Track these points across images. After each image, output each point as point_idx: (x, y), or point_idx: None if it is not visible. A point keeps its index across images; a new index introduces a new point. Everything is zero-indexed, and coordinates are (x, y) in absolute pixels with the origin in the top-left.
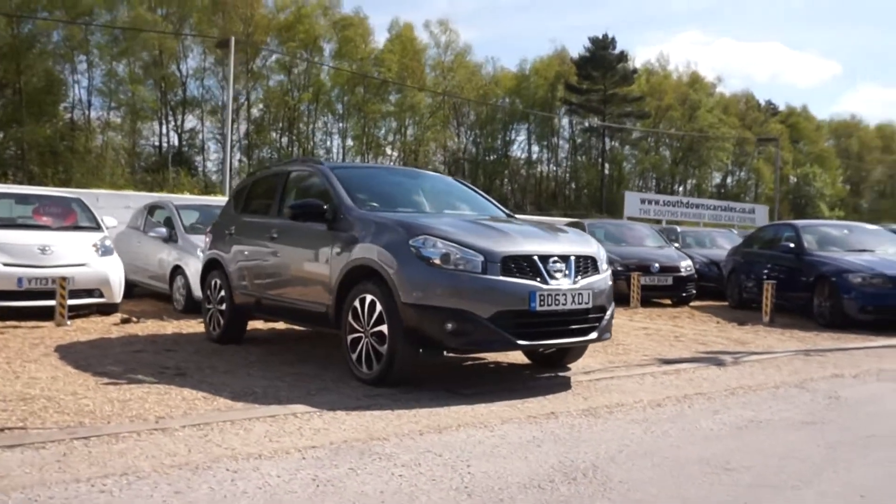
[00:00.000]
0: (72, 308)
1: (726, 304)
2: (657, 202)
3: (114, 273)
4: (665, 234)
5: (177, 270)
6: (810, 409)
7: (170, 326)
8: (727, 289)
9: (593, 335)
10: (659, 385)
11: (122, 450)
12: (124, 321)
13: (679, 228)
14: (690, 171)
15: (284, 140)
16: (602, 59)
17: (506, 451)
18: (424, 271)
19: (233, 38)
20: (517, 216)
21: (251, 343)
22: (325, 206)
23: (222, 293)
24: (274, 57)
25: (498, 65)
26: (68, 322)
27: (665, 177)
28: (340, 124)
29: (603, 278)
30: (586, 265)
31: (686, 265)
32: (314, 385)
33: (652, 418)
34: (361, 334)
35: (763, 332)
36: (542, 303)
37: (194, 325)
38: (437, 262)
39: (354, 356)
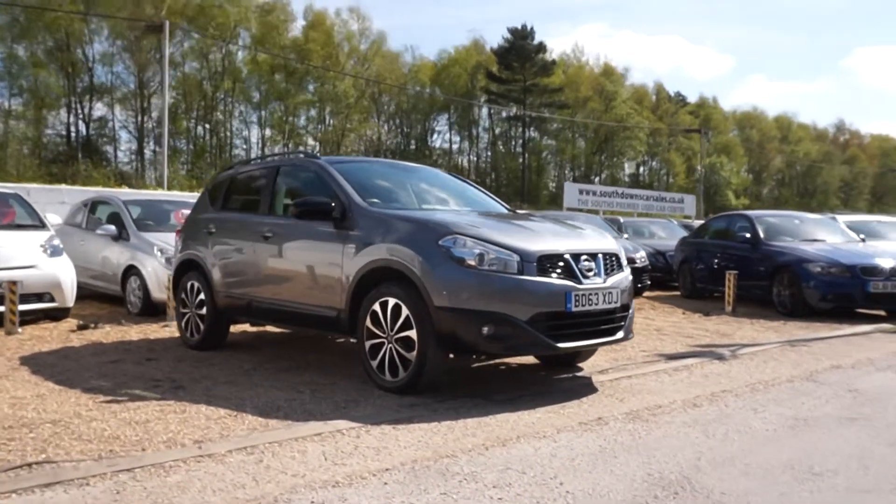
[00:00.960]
0: (21, 314)
1: (676, 293)
2: (595, 192)
3: (65, 275)
4: (611, 226)
5: (130, 271)
6: (841, 404)
7: (133, 332)
8: (679, 278)
9: (620, 335)
10: (680, 383)
11: (179, 483)
12: (81, 327)
13: (621, 219)
14: (607, 161)
15: (200, 129)
16: (521, 49)
17: (585, 464)
18: (458, 273)
19: (167, 23)
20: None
21: (231, 349)
22: (333, 204)
23: (201, 296)
24: (187, 43)
25: (417, 54)
26: (19, 329)
27: (582, 167)
28: (258, 113)
29: (626, 276)
30: (612, 263)
31: (641, 256)
32: (338, 396)
33: (700, 420)
34: (383, 340)
35: (734, 322)
36: (577, 303)
37: (159, 330)
38: (472, 262)
39: (375, 363)
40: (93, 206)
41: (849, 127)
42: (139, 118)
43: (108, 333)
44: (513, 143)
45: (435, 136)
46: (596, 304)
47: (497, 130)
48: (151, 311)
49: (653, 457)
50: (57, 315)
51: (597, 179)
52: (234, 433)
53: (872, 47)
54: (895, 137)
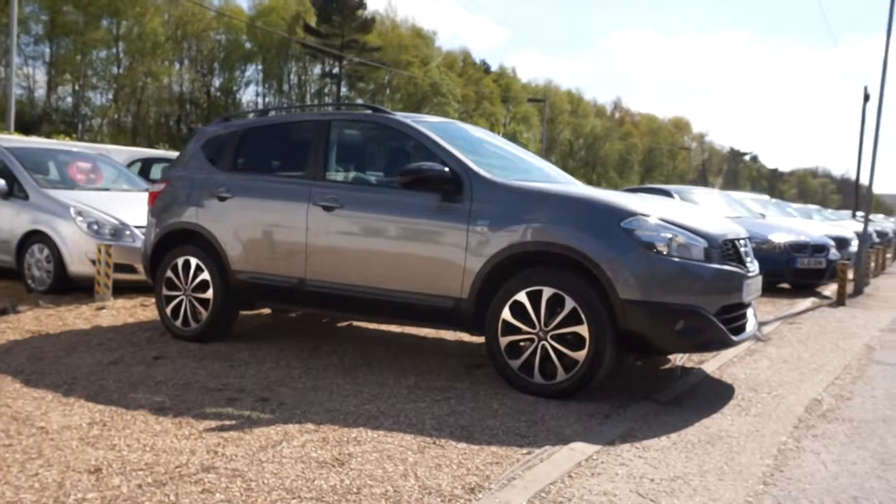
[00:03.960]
0: None
1: None
2: None
3: None
4: None
5: (32, 238)
6: None
7: (69, 317)
8: None
9: (756, 323)
10: (783, 372)
11: None
12: None
13: None
14: None
15: None
16: (342, 2)
17: None
18: (651, 260)
19: None
20: None
21: (239, 341)
22: (447, 170)
23: (203, 276)
24: None
25: None
26: None
27: None
28: (40, 48)
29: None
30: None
31: None
32: (494, 405)
33: (890, 417)
34: (530, 336)
35: None
36: (747, 292)
37: (98, 314)
38: (663, 248)
39: (517, 364)
40: None
41: (624, 105)
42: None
43: (40, 320)
44: (327, 100)
45: (243, 88)
46: (753, 293)
47: (313, 87)
48: (64, 287)
49: None
50: None
51: None
52: (480, 470)
53: (625, 32)
54: (660, 117)
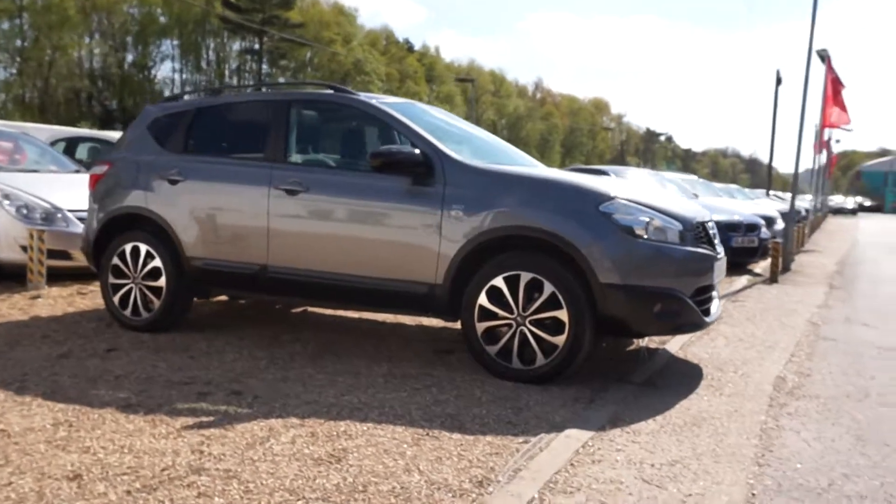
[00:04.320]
0: None
1: None
2: None
3: None
4: None
5: None
6: None
7: (4, 307)
8: None
9: (718, 304)
10: (734, 350)
11: None
12: None
13: None
14: None
15: None
16: None
17: None
18: (629, 244)
19: None
20: None
21: (192, 330)
22: (418, 152)
23: (154, 263)
24: None
25: None
26: None
27: None
28: None
29: None
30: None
31: None
32: (476, 392)
33: (850, 392)
34: (508, 322)
35: None
36: (716, 274)
37: (33, 303)
38: (641, 232)
39: (495, 350)
40: None
41: (545, 86)
42: None
43: None
44: (246, 77)
45: (159, 64)
46: (720, 275)
47: (232, 64)
48: None
49: None
50: None
51: None
52: (482, 462)
53: (541, 14)
54: (580, 98)
